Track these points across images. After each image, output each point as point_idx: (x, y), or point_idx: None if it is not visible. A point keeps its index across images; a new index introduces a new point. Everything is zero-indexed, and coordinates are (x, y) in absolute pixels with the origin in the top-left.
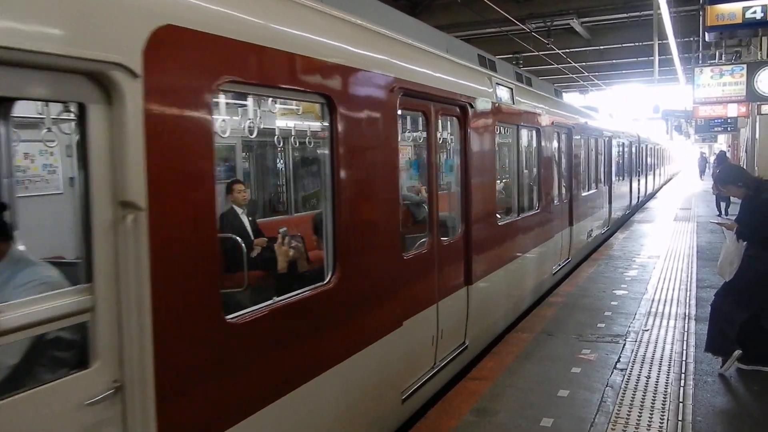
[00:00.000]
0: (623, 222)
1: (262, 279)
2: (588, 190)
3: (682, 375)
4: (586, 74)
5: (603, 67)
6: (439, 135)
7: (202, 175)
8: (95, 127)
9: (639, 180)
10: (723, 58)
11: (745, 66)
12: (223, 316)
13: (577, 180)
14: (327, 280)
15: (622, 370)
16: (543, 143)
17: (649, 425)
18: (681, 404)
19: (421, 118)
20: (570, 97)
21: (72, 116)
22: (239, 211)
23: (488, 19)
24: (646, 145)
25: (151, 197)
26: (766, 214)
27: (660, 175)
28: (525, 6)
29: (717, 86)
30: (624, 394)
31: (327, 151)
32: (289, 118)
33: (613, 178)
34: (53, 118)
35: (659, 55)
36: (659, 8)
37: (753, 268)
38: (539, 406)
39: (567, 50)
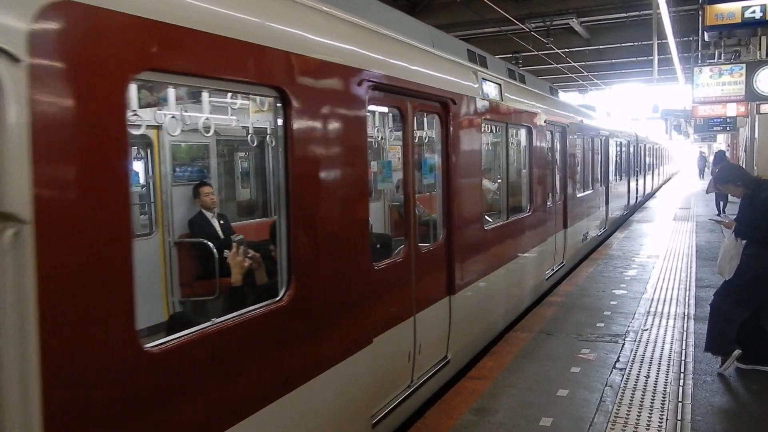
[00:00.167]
0: (621, 223)
1: (224, 291)
2: (584, 191)
3: (681, 374)
4: (586, 74)
5: (602, 67)
6: (417, 133)
7: (112, 179)
8: None
9: (637, 180)
10: (722, 57)
11: (744, 65)
12: (140, 346)
13: (572, 180)
14: (280, 296)
15: (621, 369)
16: (535, 142)
17: (648, 424)
18: (680, 403)
19: (396, 115)
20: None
21: None
22: (209, 215)
23: (487, 19)
24: (645, 145)
25: (39, 207)
26: (765, 213)
27: (659, 174)
28: (524, 5)
29: (716, 86)
30: (623, 393)
31: (281, 150)
32: (250, 114)
33: (611, 179)
34: None
35: (658, 55)
36: (658, 8)
37: (752, 267)
38: (538, 406)
39: (566, 50)
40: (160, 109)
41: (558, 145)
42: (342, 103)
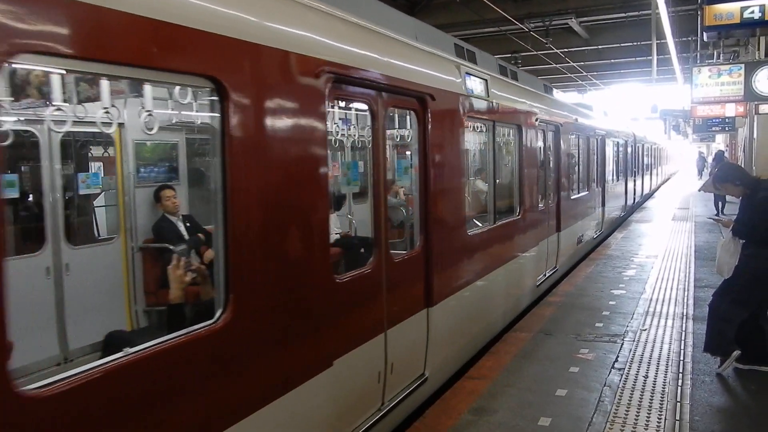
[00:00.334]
0: (618, 225)
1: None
2: (579, 193)
3: (680, 374)
4: (585, 74)
5: (601, 67)
6: (387, 131)
7: None
8: None
9: (635, 180)
10: (721, 57)
11: (743, 66)
12: (14, 388)
13: (566, 182)
14: (215, 318)
15: (620, 369)
16: (525, 142)
17: (647, 425)
18: (678, 403)
19: (358, 110)
20: (568, 97)
21: None
22: (173, 219)
23: (486, 19)
24: (643, 145)
25: None
26: (763, 213)
27: (657, 175)
28: (523, 5)
29: (715, 86)
30: (622, 393)
31: (217, 148)
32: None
33: (607, 179)
34: None
35: (657, 55)
36: (657, 8)
37: (751, 266)
38: (537, 406)
39: (565, 50)
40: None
41: (551, 145)
42: (294, 97)
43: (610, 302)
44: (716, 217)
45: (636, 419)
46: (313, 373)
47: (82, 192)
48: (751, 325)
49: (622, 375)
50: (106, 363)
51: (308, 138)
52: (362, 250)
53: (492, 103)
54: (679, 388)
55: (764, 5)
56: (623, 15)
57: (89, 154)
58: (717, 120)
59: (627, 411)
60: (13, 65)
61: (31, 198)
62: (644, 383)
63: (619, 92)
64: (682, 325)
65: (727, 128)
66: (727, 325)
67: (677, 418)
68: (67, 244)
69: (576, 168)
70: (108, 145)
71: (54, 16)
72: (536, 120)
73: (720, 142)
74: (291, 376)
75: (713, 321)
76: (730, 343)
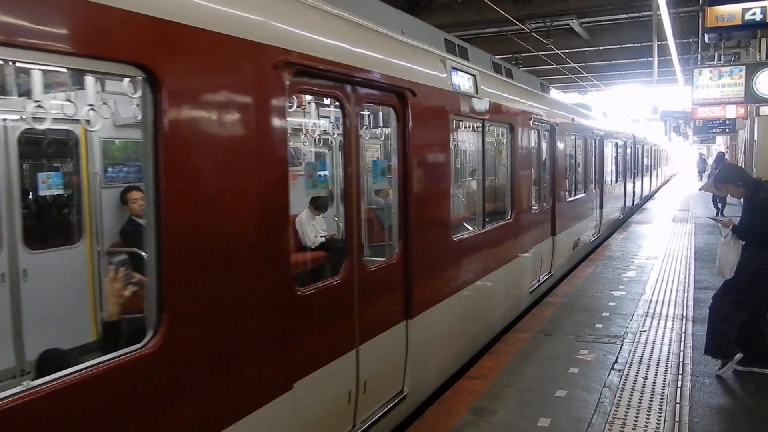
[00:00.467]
0: (617, 227)
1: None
2: (575, 195)
3: (680, 376)
4: (585, 75)
5: (602, 68)
6: (362, 128)
7: None
8: None
9: (634, 182)
10: (722, 59)
11: (744, 67)
12: None
13: (562, 183)
14: (144, 342)
15: (619, 370)
16: (518, 142)
17: (646, 426)
18: (678, 405)
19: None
20: (568, 97)
21: None
22: (141, 222)
23: (487, 19)
24: (643, 146)
25: None
26: (764, 214)
27: (657, 176)
28: (524, 6)
29: (716, 87)
30: (621, 394)
31: (149, 145)
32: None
33: (606, 181)
34: None
35: (658, 56)
36: (659, 9)
37: (751, 268)
38: (537, 406)
39: (566, 50)
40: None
41: (546, 146)
42: (245, 90)
43: (610, 303)
44: (716, 218)
45: (635, 420)
46: (268, 399)
47: (42, 193)
48: (750, 326)
49: (621, 376)
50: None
51: (263, 136)
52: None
53: (482, 100)
54: (679, 389)
55: (765, 7)
56: (624, 16)
57: (51, 153)
58: (717, 122)
59: (626, 412)
60: None
61: None
62: (644, 384)
63: (620, 93)
64: (681, 327)
65: (727, 130)
66: (727, 326)
67: (676, 419)
68: (25, 248)
69: (573, 169)
70: (71, 144)
71: None
72: (530, 119)
73: (720, 143)
74: (240, 404)
75: (713, 323)
76: (731, 345)
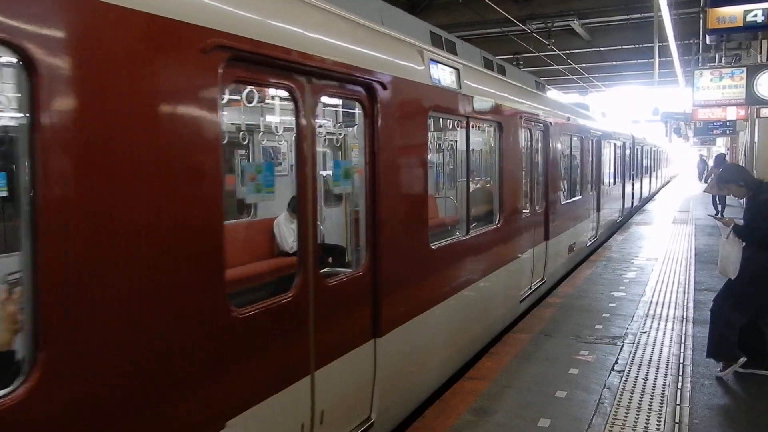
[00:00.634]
0: (615, 230)
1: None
2: (570, 197)
3: (680, 377)
4: (586, 75)
5: (603, 69)
6: (320, 124)
7: None
8: None
9: (633, 184)
10: (723, 61)
11: (744, 69)
12: None
13: (556, 185)
14: (12, 387)
15: (619, 371)
16: (507, 142)
17: (646, 427)
18: (678, 406)
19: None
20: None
21: None
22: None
23: (488, 20)
24: (642, 147)
25: None
26: (764, 216)
27: (657, 178)
28: (525, 6)
29: (717, 89)
30: (621, 395)
31: (25, 142)
32: None
33: (603, 183)
34: None
35: (659, 57)
36: (660, 10)
37: (749, 269)
38: (537, 407)
39: (567, 51)
40: None
41: (539, 146)
42: (160, 76)
43: (610, 304)
44: (717, 217)
45: (635, 421)
46: None
47: None
48: (750, 328)
49: (621, 377)
50: None
51: (184, 132)
52: (330, 259)
53: (465, 96)
54: (679, 390)
55: (767, 9)
56: (625, 17)
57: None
58: (718, 123)
59: (626, 413)
60: None
61: None
62: (644, 386)
63: (621, 94)
64: (682, 328)
65: (728, 131)
66: (728, 329)
67: (677, 420)
68: None
69: (568, 171)
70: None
71: None
72: (521, 117)
73: (721, 145)
74: None
75: (715, 326)
76: (734, 347)
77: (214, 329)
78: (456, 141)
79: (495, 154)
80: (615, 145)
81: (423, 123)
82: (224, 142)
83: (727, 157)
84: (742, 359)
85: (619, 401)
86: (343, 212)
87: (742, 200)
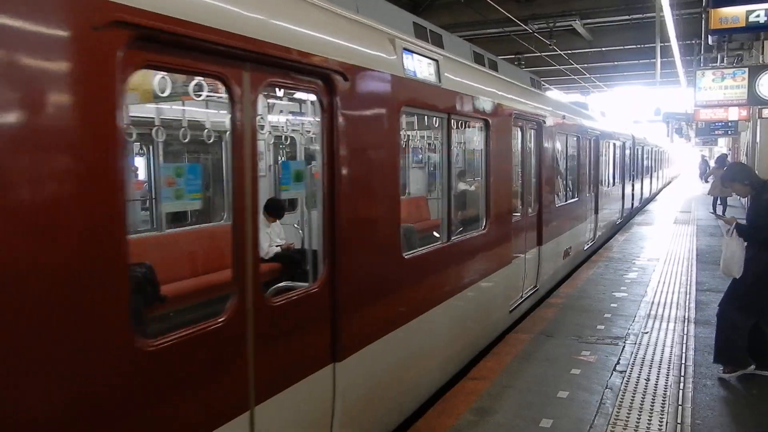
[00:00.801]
0: (614, 233)
1: None
2: (566, 200)
3: (682, 378)
4: (588, 76)
5: (605, 69)
6: (263, 119)
7: None
8: None
9: (633, 185)
10: (725, 61)
11: (747, 69)
12: None
13: (550, 187)
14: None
15: (621, 372)
16: (494, 140)
17: (648, 427)
18: (680, 407)
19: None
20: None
21: None
22: None
23: (490, 20)
24: (643, 147)
25: None
26: (766, 215)
27: (658, 178)
28: (527, 7)
29: (718, 89)
30: (623, 396)
31: None
32: None
33: (601, 184)
34: None
35: (661, 58)
36: (662, 11)
37: (751, 270)
38: (538, 407)
39: (569, 51)
40: None
41: (532, 145)
42: (38, 58)
43: (612, 304)
44: (719, 215)
45: (637, 422)
46: None
47: None
48: (752, 329)
49: (623, 377)
50: None
51: (70, 129)
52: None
53: (446, 90)
54: (681, 391)
55: None
56: (627, 17)
57: None
58: (720, 123)
59: (628, 414)
60: None
61: None
62: (646, 386)
63: (623, 95)
64: (683, 329)
65: (729, 132)
66: (735, 333)
67: (679, 421)
68: None
69: (564, 171)
70: None
71: None
72: (511, 115)
73: (723, 145)
74: None
75: (721, 330)
76: (742, 352)
77: (121, 364)
78: (434, 139)
79: (481, 153)
80: (614, 145)
81: (394, 119)
82: (130, 138)
83: (729, 158)
84: (752, 367)
85: (621, 401)
86: (300, 219)
87: (743, 200)
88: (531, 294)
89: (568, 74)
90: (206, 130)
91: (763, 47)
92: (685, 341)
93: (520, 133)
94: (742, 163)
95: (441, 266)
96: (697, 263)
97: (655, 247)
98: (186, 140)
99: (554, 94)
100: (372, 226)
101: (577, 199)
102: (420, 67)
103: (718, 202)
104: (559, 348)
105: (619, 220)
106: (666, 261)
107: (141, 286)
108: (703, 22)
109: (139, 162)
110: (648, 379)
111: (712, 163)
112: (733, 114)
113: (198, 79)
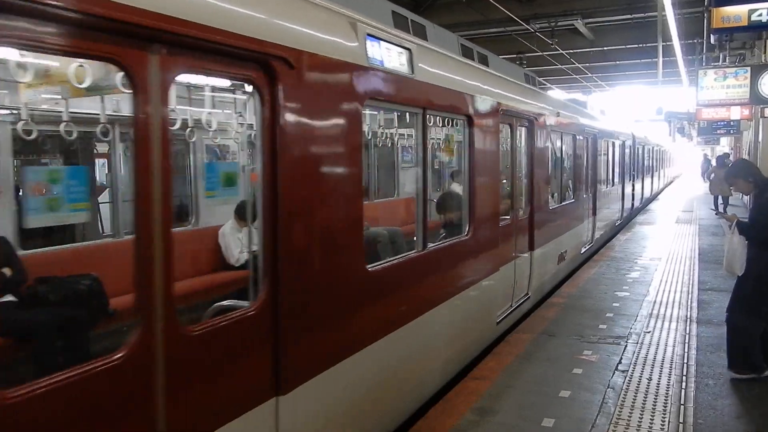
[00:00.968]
0: (614, 235)
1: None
2: (562, 201)
3: (684, 377)
4: (590, 75)
5: (606, 68)
6: (176, 112)
7: None
8: None
9: (633, 185)
10: (727, 60)
11: (749, 69)
12: None
13: (542, 188)
14: None
15: (623, 371)
16: (479, 138)
17: (650, 427)
18: (682, 406)
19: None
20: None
21: None
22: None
23: (491, 19)
24: (643, 146)
25: None
26: (767, 215)
27: (659, 178)
28: (528, 6)
29: (720, 89)
30: (625, 395)
31: None
32: None
33: (600, 184)
34: None
35: (663, 57)
36: (664, 10)
37: (753, 273)
38: (540, 407)
39: (570, 51)
40: None
41: (523, 144)
42: None
43: (614, 304)
44: (720, 212)
45: (639, 421)
46: None
47: None
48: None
49: (625, 377)
50: None
51: None
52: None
53: (420, 83)
54: (683, 390)
55: None
56: (629, 17)
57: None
58: (722, 123)
59: (630, 413)
60: None
61: None
62: (648, 385)
63: (624, 94)
64: (686, 328)
65: (731, 131)
66: (748, 340)
67: (681, 420)
68: None
69: (559, 171)
70: None
71: None
72: (498, 111)
73: (725, 145)
74: None
75: (732, 337)
76: (758, 359)
77: None
78: (407, 136)
79: (463, 152)
80: (614, 144)
81: (354, 113)
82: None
83: (731, 157)
84: (767, 373)
85: (623, 401)
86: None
87: (746, 200)
88: (522, 302)
89: (569, 74)
90: (102, 126)
91: (765, 46)
92: (687, 340)
93: (509, 131)
94: (746, 160)
95: (414, 278)
96: (700, 263)
97: (657, 247)
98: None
99: (555, 93)
100: (326, 237)
101: (573, 200)
102: (389, 55)
103: (720, 200)
104: (560, 347)
105: (619, 221)
106: (668, 260)
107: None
108: (705, 21)
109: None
110: (650, 379)
111: (714, 163)
112: (735, 113)
113: (82, 61)
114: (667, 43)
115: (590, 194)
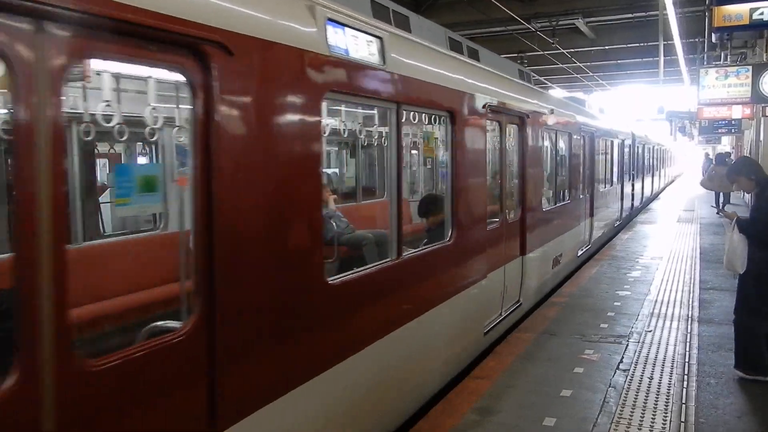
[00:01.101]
0: (613, 236)
1: None
2: (556, 202)
3: (685, 376)
4: (591, 74)
5: (607, 68)
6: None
7: None
8: None
9: (633, 184)
10: (728, 59)
11: (750, 68)
12: None
13: (535, 189)
14: None
15: (624, 370)
16: (462, 136)
17: (652, 426)
18: (684, 405)
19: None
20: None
21: None
22: None
23: (493, 18)
24: (644, 145)
25: None
26: (766, 214)
27: (660, 177)
28: (530, 5)
29: (722, 88)
30: (627, 394)
31: None
32: None
33: (598, 185)
34: None
35: (664, 56)
36: (665, 9)
37: (752, 273)
38: (541, 406)
39: (572, 50)
40: None
41: (513, 143)
42: None
43: (615, 303)
44: (721, 209)
45: (641, 421)
46: None
47: None
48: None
49: (627, 376)
50: None
51: None
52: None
53: (393, 75)
54: (684, 389)
55: None
56: (630, 16)
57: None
58: (723, 122)
59: (632, 412)
60: None
61: None
62: (649, 385)
63: (626, 93)
64: (687, 327)
65: (733, 130)
66: (755, 341)
67: (682, 419)
68: None
69: (553, 172)
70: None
71: None
72: (485, 107)
73: (726, 144)
74: None
75: (739, 338)
76: (762, 359)
77: None
78: (378, 134)
79: (444, 151)
80: (613, 143)
81: (311, 108)
82: None
83: (733, 156)
84: None
85: (625, 400)
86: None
87: (747, 198)
88: (513, 310)
89: (571, 73)
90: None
91: (766, 45)
92: (688, 340)
93: (497, 129)
94: (748, 158)
95: (386, 290)
96: (701, 262)
97: (659, 246)
98: None
99: (556, 92)
100: (274, 248)
101: (569, 201)
102: (355, 44)
103: (720, 198)
104: (561, 347)
105: (619, 221)
106: (669, 259)
107: None
108: (706, 19)
109: None
110: (651, 378)
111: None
112: (737, 112)
113: None
114: (669, 42)
115: (587, 194)
